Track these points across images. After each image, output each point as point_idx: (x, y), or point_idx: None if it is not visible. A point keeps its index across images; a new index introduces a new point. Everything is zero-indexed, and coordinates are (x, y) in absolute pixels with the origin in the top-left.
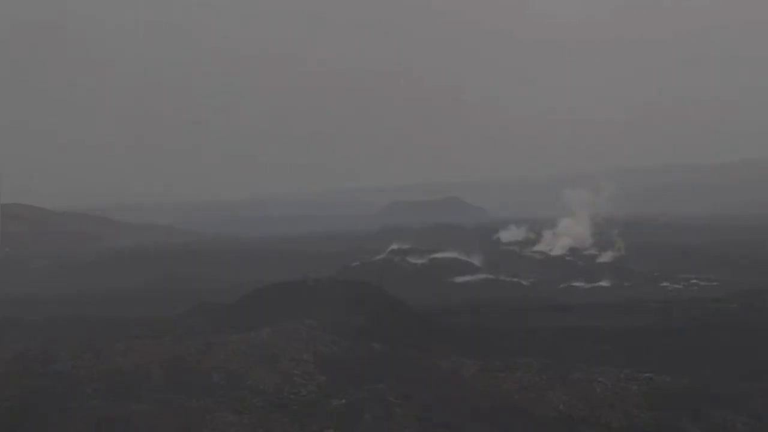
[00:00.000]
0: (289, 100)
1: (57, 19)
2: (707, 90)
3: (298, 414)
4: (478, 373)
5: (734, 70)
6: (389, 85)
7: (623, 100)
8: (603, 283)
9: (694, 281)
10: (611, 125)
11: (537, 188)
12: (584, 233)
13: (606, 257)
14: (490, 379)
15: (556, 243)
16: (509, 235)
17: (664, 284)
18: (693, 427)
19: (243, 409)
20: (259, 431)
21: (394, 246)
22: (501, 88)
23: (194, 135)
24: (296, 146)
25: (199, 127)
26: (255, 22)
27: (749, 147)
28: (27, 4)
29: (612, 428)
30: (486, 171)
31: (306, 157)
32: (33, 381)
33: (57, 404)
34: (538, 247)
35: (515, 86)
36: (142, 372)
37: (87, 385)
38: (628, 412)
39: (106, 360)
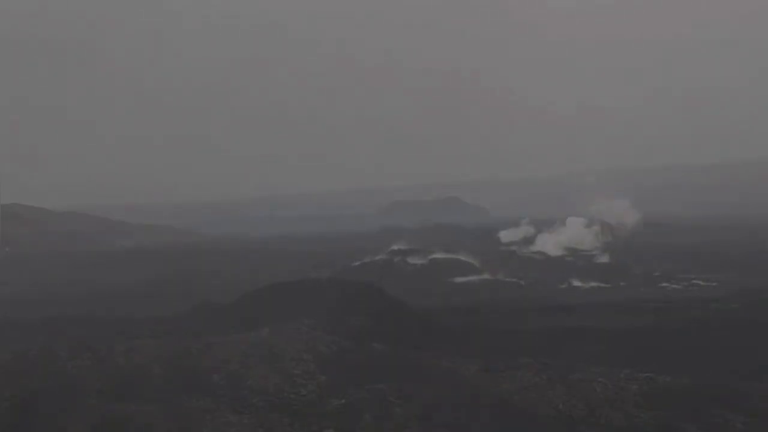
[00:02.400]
0: (288, 99)
1: (49, 18)
2: (708, 89)
3: (298, 414)
4: (478, 373)
5: (736, 70)
6: (391, 85)
7: (624, 99)
8: (603, 283)
9: (694, 281)
10: (612, 125)
11: (537, 188)
12: (584, 233)
13: (606, 257)
14: (490, 379)
15: (555, 243)
16: (509, 235)
17: (664, 284)
18: (693, 427)
19: (243, 409)
20: (259, 431)
21: (394, 246)
22: (502, 89)
23: (194, 134)
24: (296, 146)
25: (199, 127)
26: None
27: (749, 147)
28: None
29: (612, 428)
30: (487, 171)
31: (306, 157)
32: (33, 381)
33: (57, 404)
34: (537, 247)
35: (516, 86)
36: (142, 372)
37: (87, 385)
38: (628, 412)
39: (106, 360)
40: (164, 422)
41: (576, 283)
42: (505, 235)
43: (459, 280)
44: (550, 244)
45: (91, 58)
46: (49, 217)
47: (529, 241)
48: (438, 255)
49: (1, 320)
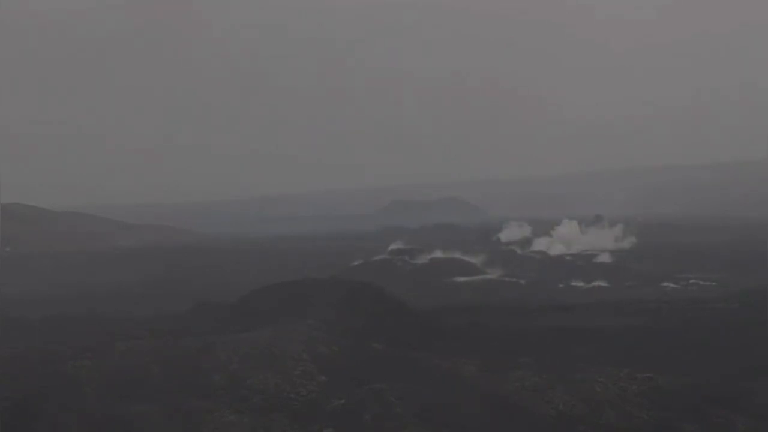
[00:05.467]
0: (288, 99)
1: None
2: (707, 90)
3: (298, 414)
4: (478, 373)
5: (735, 70)
6: (393, 84)
7: (624, 100)
8: (603, 283)
9: (694, 281)
10: (612, 126)
11: (538, 188)
12: (583, 233)
13: (605, 257)
14: (490, 379)
15: (554, 243)
16: (509, 235)
17: (664, 284)
18: (693, 427)
19: (243, 409)
20: (259, 431)
21: (394, 246)
22: (503, 88)
23: (195, 135)
24: (296, 146)
25: (199, 127)
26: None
27: (749, 147)
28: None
29: (612, 428)
30: (487, 171)
31: (306, 157)
32: (33, 381)
33: (57, 404)
34: (537, 247)
35: (517, 86)
36: (142, 372)
37: (87, 385)
38: (628, 412)
39: (106, 360)
40: (164, 422)
41: (576, 283)
42: (505, 235)
43: (459, 280)
44: (549, 244)
45: (90, 58)
46: (49, 217)
47: (528, 241)
48: (438, 255)
49: (1, 320)
